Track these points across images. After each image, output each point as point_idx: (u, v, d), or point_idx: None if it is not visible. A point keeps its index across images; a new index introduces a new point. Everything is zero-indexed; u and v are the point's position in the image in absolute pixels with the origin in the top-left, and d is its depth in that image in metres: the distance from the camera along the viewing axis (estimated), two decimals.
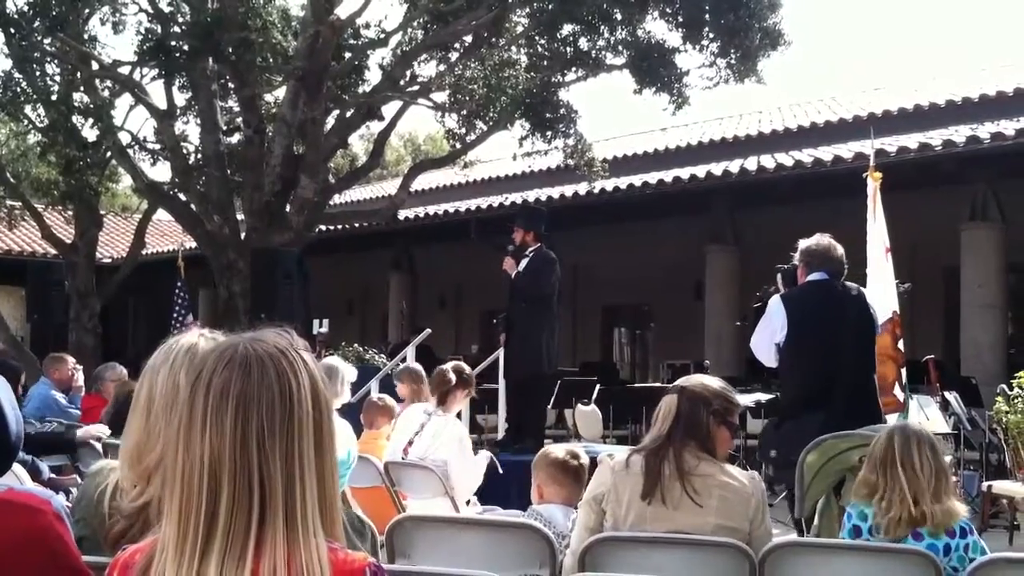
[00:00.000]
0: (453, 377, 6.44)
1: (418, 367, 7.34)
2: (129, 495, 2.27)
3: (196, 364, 1.68)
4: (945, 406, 9.77)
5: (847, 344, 5.75)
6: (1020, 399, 8.33)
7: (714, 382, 3.68)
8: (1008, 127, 12.17)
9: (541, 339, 9.29)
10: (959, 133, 12.75)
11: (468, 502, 6.20)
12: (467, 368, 6.74)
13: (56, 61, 15.56)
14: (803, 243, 5.98)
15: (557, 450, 4.34)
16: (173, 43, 13.81)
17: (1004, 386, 8.95)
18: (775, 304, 5.83)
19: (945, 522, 3.58)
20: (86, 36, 15.62)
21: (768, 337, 5.83)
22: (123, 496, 2.34)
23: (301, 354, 1.68)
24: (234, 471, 1.58)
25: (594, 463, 3.77)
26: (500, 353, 10.08)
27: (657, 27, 15.61)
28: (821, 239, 5.94)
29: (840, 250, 5.89)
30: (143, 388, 2.33)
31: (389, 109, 16.11)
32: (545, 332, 9.34)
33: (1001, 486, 8.49)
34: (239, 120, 16.06)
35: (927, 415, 9.02)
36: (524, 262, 9.29)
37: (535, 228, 9.43)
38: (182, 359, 2.30)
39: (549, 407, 12.83)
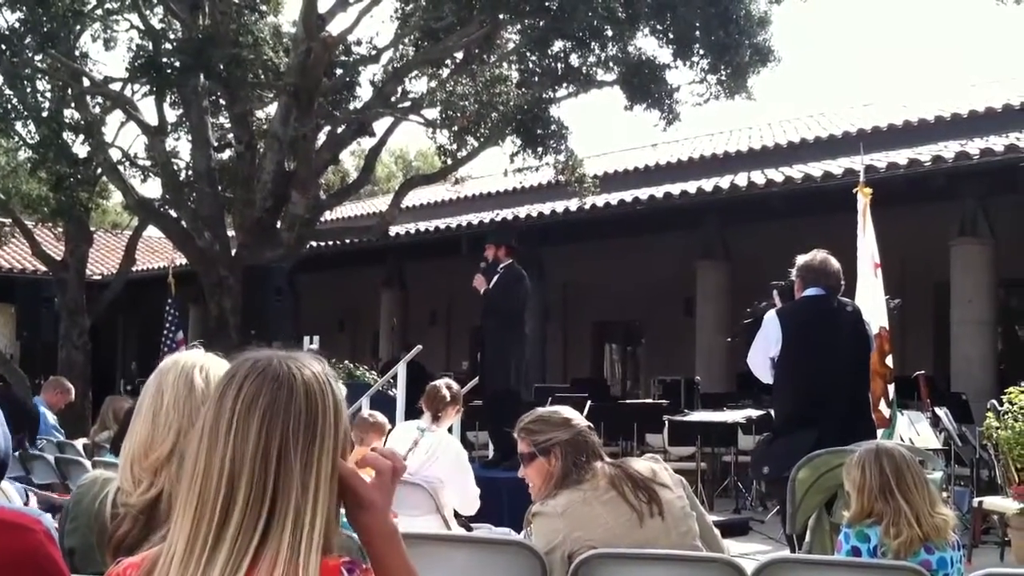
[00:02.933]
0: (447, 394, 6.45)
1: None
2: (133, 495, 2.27)
3: (229, 369, 1.71)
4: (935, 422, 9.79)
5: (841, 361, 5.73)
6: (1011, 415, 8.34)
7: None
8: (997, 143, 12.22)
9: (511, 355, 9.35)
10: (948, 149, 12.80)
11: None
12: (455, 384, 6.75)
13: (47, 77, 15.53)
14: (800, 258, 5.96)
15: None
16: (164, 60, 13.80)
17: (994, 402, 8.97)
18: (770, 318, 5.81)
19: (946, 530, 3.70)
20: (77, 53, 15.61)
21: (763, 351, 5.80)
22: (123, 497, 2.34)
23: (330, 379, 1.72)
24: (251, 478, 1.61)
25: None
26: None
27: (648, 44, 15.69)
28: (818, 254, 5.92)
29: (836, 265, 5.87)
30: (150, 388, 2.36)
31: (380, 125, 16.13)
32: (515, 348, 9.40)
33: (992, 502, 8.51)
34: (230, 136, 16.06)
35: (917, 431, 9.04)
36: (495, 279, 9.36)
37: (506, 242, 9.54)
38: (192, 362, 2.36)
39: None
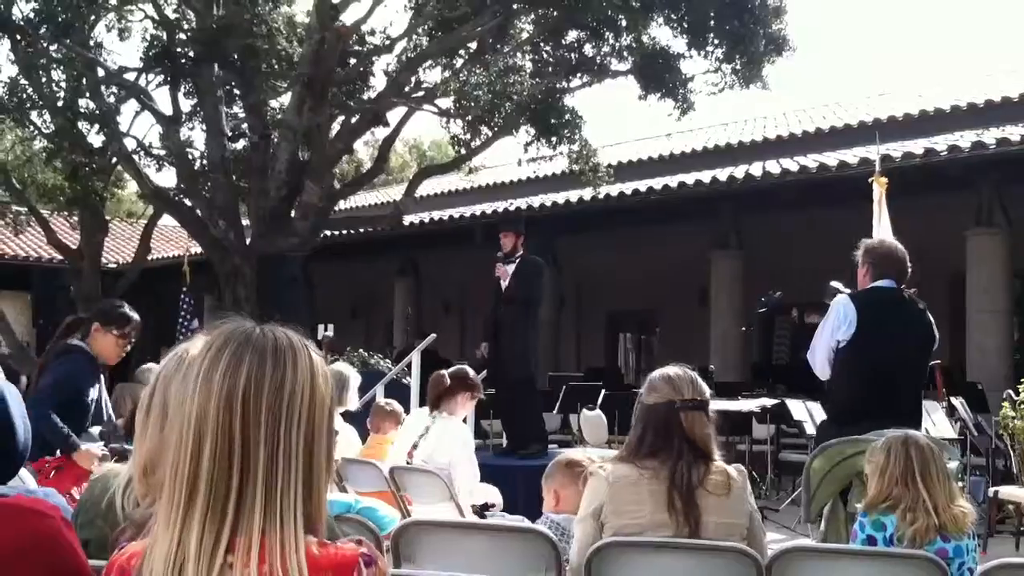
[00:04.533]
0: (448, 381, 6.41)
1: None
2: (141, 504, 2.26)
3: (206, 341, 1.70)
4: (951, 412, 9.76)
5: (908, 356, 5.60)
6: None
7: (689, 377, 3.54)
8: (1013, 132, 12.16)
9: (530, 343, 9.40)
10: (964, 138, 12.73)
11: (486, 507, 6.13)
12: (471, 372, 6.69)
13: (62, 67, 15.57)
14: (867, 243, 5.85)
15: (576, 454, 4.33)
16: (179, 49, 13.85)
17: (1010, 392, 8.96)
18: (843, 301, 5.62)
19: (964, 523, 3.71)
20: (92, 42, 15.63)
21: (830, 336, 5.60)
22: (129, 501, 2.34)
23: (307, 346, 1.70)
24: (216, 428, 1.59)
25: None
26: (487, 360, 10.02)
27: (662, 33, 15.63)
28: (886, 241, 5.83)
29: (904, 254, 5.75)
30: (156, 397, 2.32)
31: (394, 115, 16.15)
32: (532, 335, 9.44)
33: (1008, 491, 8.49)
34: (244, 126, 16.09)
35: (933, 420, 9.01)
36: (511, 268, 9.36)
37: (522, 230, 9.58)
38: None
39: (554, 412, 12.84)
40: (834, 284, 5.98)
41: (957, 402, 9.88)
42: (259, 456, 1.59)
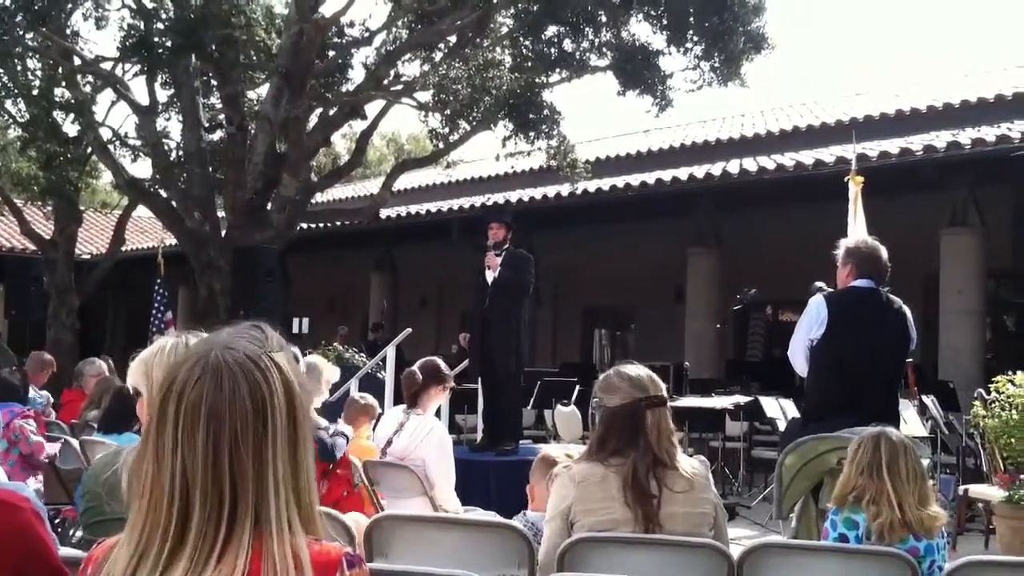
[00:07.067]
0: (420, 377, 6.37)
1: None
2: None
3: (168, 374, 1.64)
4: (922, 410, 9.82)
5: (880, 356, 5.62)
6: (997, 404, 8.39)
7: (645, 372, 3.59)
8: (988, 133, 12.23)
9: (522, 337, 9.33)
10: (940, 138, 12.81)
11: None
12: (440, 363, 6.62)
13: (38, 56, 15.44)
14: (847, 242, 5.86)
15: (553, 451, 4.36)
16: (156, 39, 13.72)
17: (982, 391, 9.02)
18: (817, 301, 5.65)
19: (935, 526, 3.71)
20: (68, 31, 15.49)
21: (804, 334, 5.63)
22: None
23: (275, 358, 1.65)
24: (206, 486, 1.56)
25: None
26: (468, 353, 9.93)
27: (641, 29, 15.65)
28: (868, 241, 5.83)
29: (885, 254, 5.77)
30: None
31: (372, 108, 16.11)
32: (523, 330, 9.39)
33: (978, 490, 8.56)
34: (221, 117, 15.99)
35: (905, 418, 9.06)
36: (499, 259, 9.27)
37: (511, 224, 9.51)
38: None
39: (529, 408, 12.84)
40: (818, 284, 5.99)
41: (928, 400, 9.95)
42: (249, 490, 1.57)
